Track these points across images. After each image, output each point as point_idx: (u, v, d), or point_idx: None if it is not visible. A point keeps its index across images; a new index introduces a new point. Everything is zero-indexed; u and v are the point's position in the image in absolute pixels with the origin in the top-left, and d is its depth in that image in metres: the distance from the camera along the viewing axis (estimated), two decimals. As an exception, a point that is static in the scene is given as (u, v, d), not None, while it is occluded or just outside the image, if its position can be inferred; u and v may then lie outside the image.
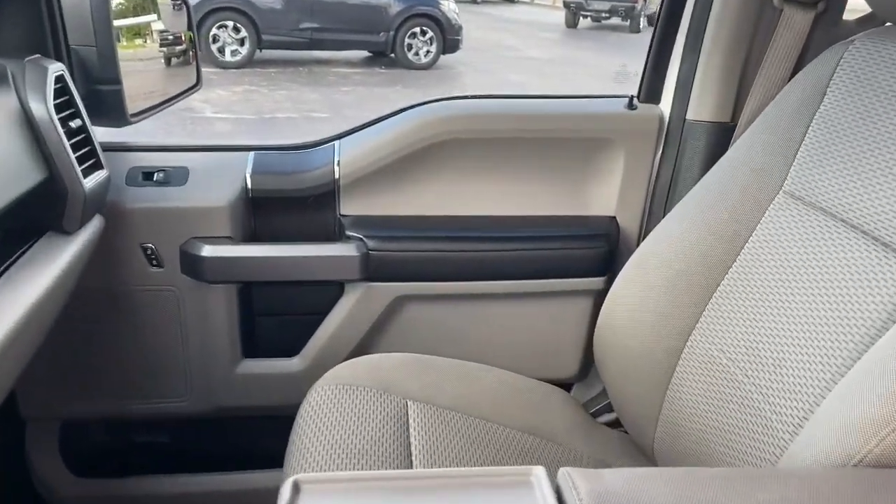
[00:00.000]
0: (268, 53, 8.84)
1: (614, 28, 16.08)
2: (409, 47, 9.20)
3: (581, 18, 16.40)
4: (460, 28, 9.44)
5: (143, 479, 1.42)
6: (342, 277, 1.34)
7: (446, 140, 1.33)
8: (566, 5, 16.29)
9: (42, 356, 1.21)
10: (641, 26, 15.93)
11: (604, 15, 15.97)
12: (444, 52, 9.37)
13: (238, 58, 8.49)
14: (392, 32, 9.08)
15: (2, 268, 0.92)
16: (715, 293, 0.97)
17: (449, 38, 9.34)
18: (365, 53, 9.65)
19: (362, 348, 1.40)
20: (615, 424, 1.20)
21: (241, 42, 8.48)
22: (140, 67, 1.41)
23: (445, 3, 9.47)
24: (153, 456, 1.48)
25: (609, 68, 10.37)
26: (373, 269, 1.33)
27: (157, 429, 1.47)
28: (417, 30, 9.19)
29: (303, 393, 1.13)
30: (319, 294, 1.37)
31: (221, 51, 8.41)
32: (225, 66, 8.33)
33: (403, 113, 1.38)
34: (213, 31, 8.30)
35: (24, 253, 0.98)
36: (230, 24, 8.37)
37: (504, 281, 1.38)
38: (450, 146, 1.35)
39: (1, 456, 1.39)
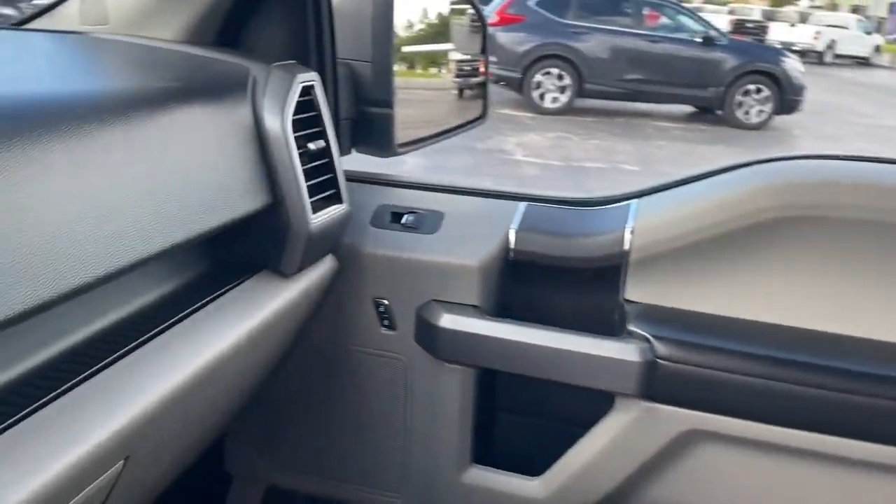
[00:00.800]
0: (586, 102, 8.80)
1: None
2: (739, 105, 8.57)
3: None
4: (802, 88, 8.69)
5: None
6: (614, 388, 1.01)
7: (789, 217, 0.96)
8: (941, 70, 14.05)
9: (255, 411, 1.07)
10: None
11: None
12: (778, 113, 8.57)
13: (557, 105, 8.62)
14: (723, 88, 8.58)
15: (203, 304, 0.81)
16: None
17: (787, 99, 8.61)
18: (688, 108, 9.15)
19: (629, 490, 1.06)
20: None
21: (562, 90, 8.53)
22: (429, 96, 1.36)
23: (789, 60, 8.82)
24: None
25: None
26: (659, 385, 0.99)
27: None
28: (752, 87, 8.50)
29: None
30: (582, 400, 1.06)
31: (542, 97, 8.55)
32: (543, 111, 8.49)
33: (729, 172, 1.04)
34: (537, 77, 8.44)
35: (230, 290, 0.86)
36: (555, 71, 8.46)
37: (864, 443, 0.93)
38: (794, 226, 0.97)
39: None
